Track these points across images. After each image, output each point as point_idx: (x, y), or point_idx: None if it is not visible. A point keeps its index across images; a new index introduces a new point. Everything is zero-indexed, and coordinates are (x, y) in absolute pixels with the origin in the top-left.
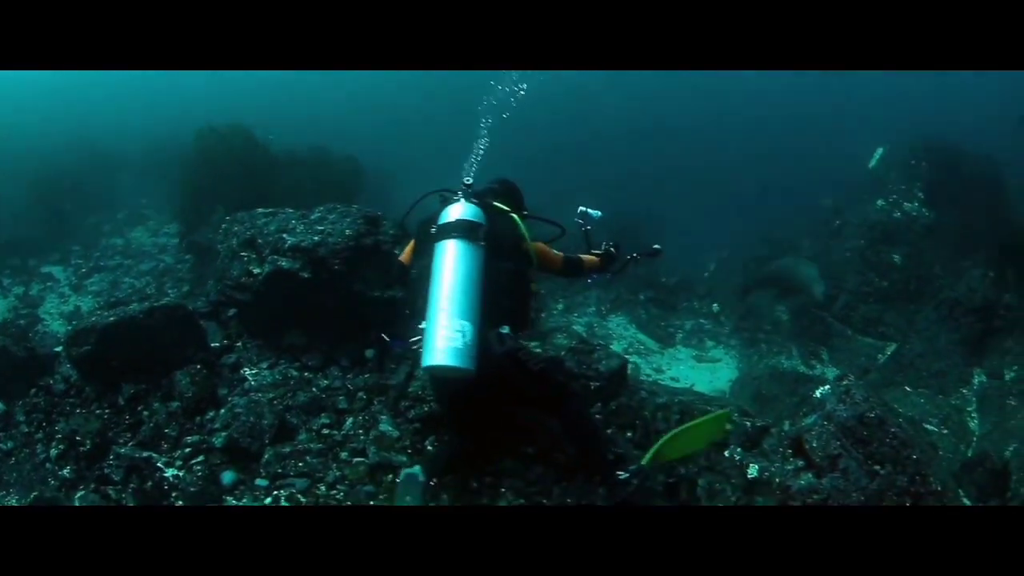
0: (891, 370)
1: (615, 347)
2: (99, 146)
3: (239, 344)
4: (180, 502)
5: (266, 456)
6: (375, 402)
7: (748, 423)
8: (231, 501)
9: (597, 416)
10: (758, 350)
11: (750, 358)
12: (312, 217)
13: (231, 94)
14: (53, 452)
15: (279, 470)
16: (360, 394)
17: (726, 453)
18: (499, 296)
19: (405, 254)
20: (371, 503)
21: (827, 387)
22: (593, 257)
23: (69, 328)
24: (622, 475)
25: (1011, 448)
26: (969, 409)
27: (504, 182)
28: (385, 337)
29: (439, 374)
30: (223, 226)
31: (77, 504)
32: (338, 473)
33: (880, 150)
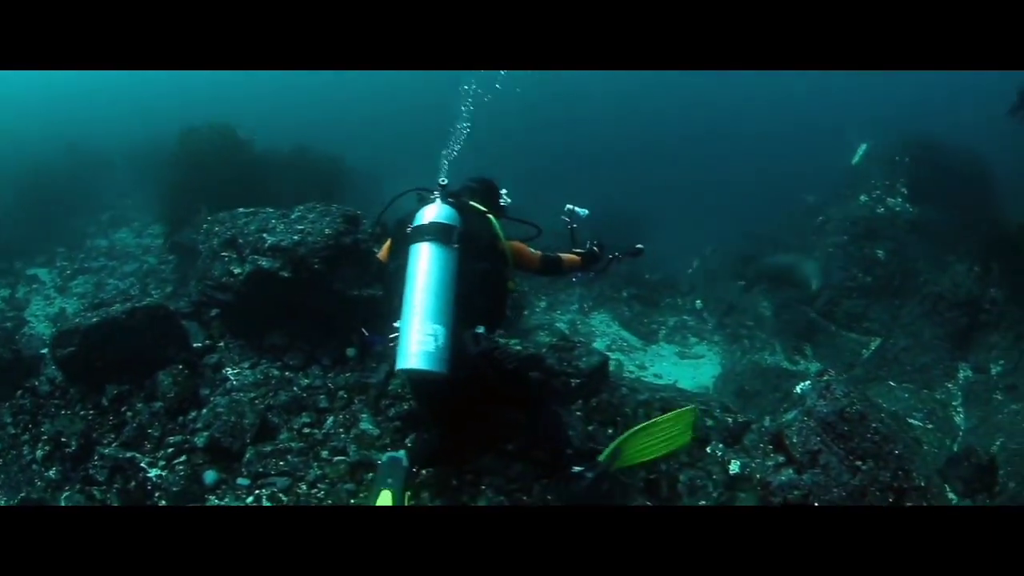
0: (875, 365)
1: (598, 344)
2: (83, 146)
3: (221, 344)
4: (163, 502)
5: (247, 455)
6: (356, 401)
7: (730, 419)
8: (213, 500)
9: (577, 413)
10: (741, 346)
11: (733, 354)
12: (292, 216)
13: (215, 93)
14: (39, 453)
15: (260, 469)
16: (341, 393)
17: (708, 449)
18: (474, 297)
19: (382, 252)
20: (352, 501)
21: (807, 383)
22: (574, 256)
23: (54, 330)
24: (577, 470)
25: (998, 442)
26: (955, 404)
27: (481, 180)
28: (365, 332)
29: (414, 377)
30: (204, 226)
31: (63, 505)
32: (319, 472)
33: (863, 146)
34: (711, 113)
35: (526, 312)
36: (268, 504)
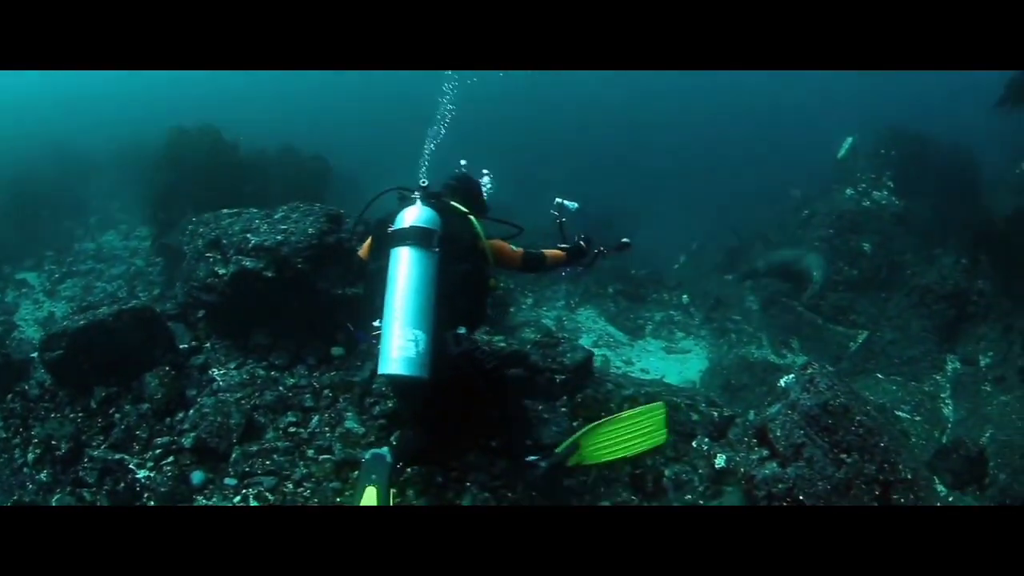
0: (862, 358)
1: (584, 340)
2: (69, 149)
3: (207, 345)
4: (152, 503)
5: (234, 455)
6: (341, 399)
7: (715, 413)
8: (201, 501)
9: (563, 409)
10: (728, 340)
11: (720, 348)
12: (276, 216)
13: (200, 94)
14: (30, 457)
15: (247, 469)
16: (326, 392)
17: (694, 443)
18: (455, 299)
19: (363, 250)
20: (338, 500)
21: (791, 376)
22: (558, 252)
23: (43, 334)
24: (531, 459)
25: (987, 434)
26: (943, 396)
27: (462, 178)
28: (351, 327)
29: (396, 381)
30: (189, 227)
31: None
32: (305, 470)
33: (849, 140)
34: (697, 109)
35: (512, 309)
36: (255, 503)
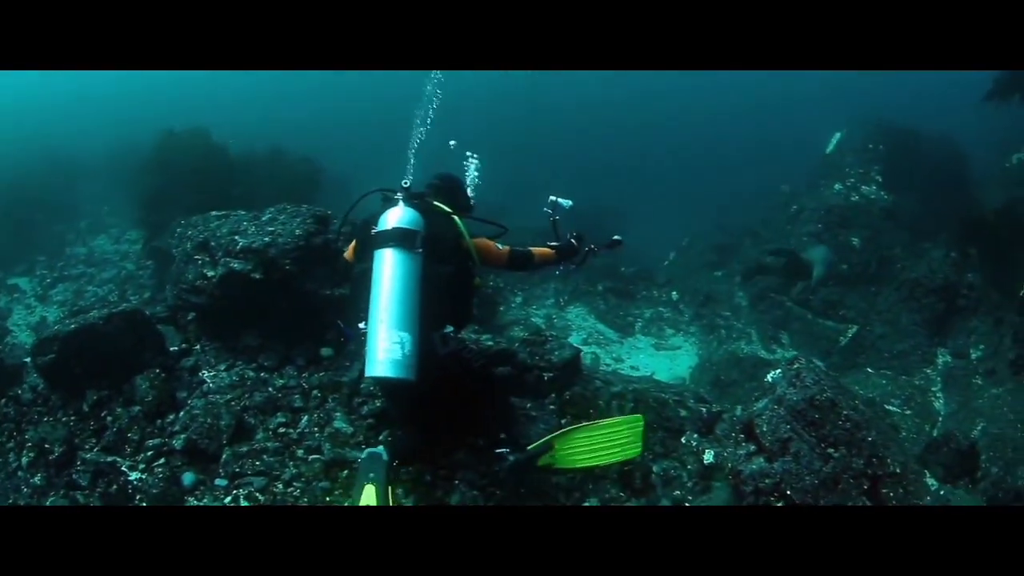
0: (853, 353)
1: (574, 338)
2: (59, 152)
3: (197, 347)
4: (144, 504)
5: (224, 456)
6: (329, 399)
7: (704, 409)
8: (192, 501)
9: (551, 407)
10: (718, 336)
11: (709, 345)
12: (263, 218)
13: (190, 95)
14: (24, 460)
15: (237, 469)
16: (315, 392)
17: (683, 439)
18: (440, 299)
19: (349, 251)
20: (327, 499)
21: (778, 371)
22: (546, 250)
23: (35, 338)
24: (501, 451)
25: (979, 427)
26: (934, 389)
27: (446, 177)
28: (341, 324)
29: (383, 382)
30: (178, 230)
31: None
32: (295, 470)
33: (837, 135)
34: (686, 106)
35: (501, 308)
36: (246, 504)
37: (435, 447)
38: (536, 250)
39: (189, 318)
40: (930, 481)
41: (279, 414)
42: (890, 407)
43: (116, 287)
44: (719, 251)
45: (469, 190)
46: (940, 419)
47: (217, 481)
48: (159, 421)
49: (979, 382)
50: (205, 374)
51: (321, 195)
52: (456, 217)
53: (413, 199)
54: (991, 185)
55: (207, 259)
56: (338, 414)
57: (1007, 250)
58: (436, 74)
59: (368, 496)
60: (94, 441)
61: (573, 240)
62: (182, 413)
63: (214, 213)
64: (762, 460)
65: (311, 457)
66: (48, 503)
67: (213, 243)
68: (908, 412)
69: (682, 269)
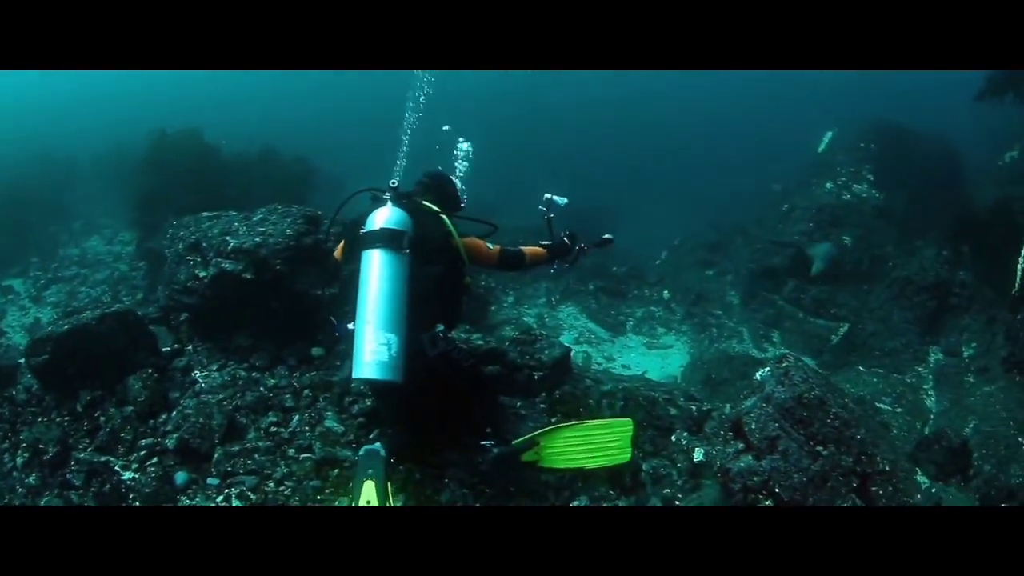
0: (844, 351)
1: (566, 337)
2: (52, 153)
3: (189, 347)
4: (137, 503)
5: (216, 455)
6: (320, 399)
7: (694, 407)
8: (185, 501)
9: (541, 405)
10: (709, 335)
11: (701, 343)
12: (254, 219)
13: (182, 95)
14: (19, 460)
15: (229, 468)
16: (306, 392)
17: (672, 438)
18: (428, 300)
19: (338, 251)
20: (319, 497)
21: (767, 369)
22: (538, 249)
23: (29, 339)
24: (485, 443)
25: (971, 425)
26: (926, 387)
27: (434, 175)
28: (334, 320)
29: (371, 384)
30: (170, 231)
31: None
32: (286, 469)
33: (829, 134)
34: (677, 106)
35: (493, 307)
36: (238, 503)
37: (425, 446)
38: (527, 249)
39: (181, 319)
40: (922, 479)
41: (270, 413)
42: (881, 405)
43: (109, 288)
44: (711, 250)
45: (460, 179)
46: (932, 417)
47: (209, 480)
48: (152, 421)
49: (971, 380)
50: (197, 374)
51: (315, 195)
52: (445, 216)
53: (401, 199)
54: (984, 183)
55: (199, 260)
56: (329, 413)
57: (999, 248)
58: (425, 74)
59: (368, 492)
60: (88, 441)
61: (566, 239)
62: (174, 413)
63: (205, 214)
64: (750, 458)
65: (302, 456)
66: (43, 503)
67: (205, 244)
68: (899, 410)
69: (673, 268)
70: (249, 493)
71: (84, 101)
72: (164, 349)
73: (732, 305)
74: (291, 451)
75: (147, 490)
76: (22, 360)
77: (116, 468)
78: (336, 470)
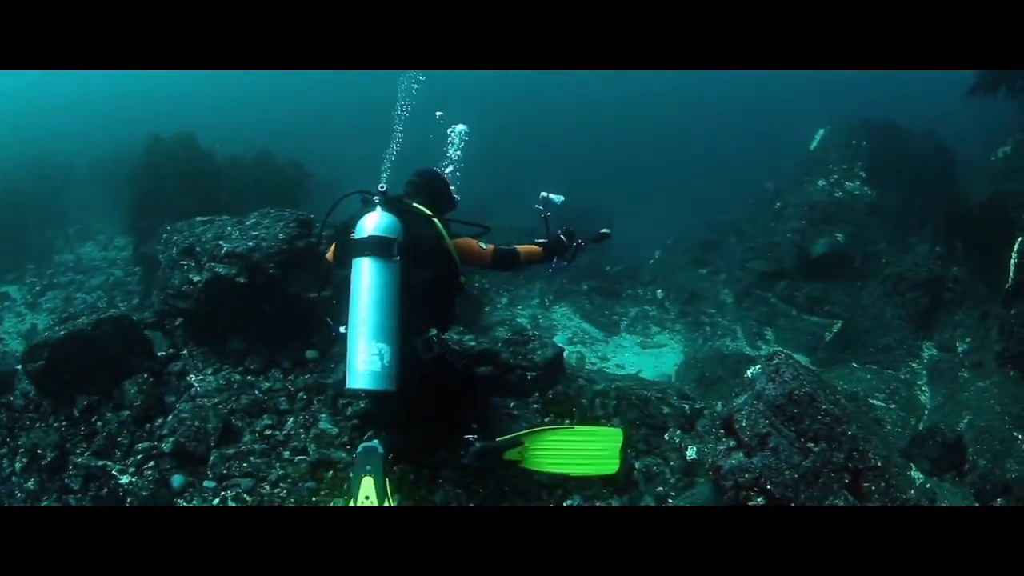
0: (838, 348)
1: (559, 337)
2: (47, 158)
3: (184, 352)
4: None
5: (212, 458)
6: (315, 401)
7: (687, 406)
8: (181, 503)
9: (534, 405)
10: (703, 334)
11: (695, 342)
12: (247, 223)
13: (176, 96)
14: (18, 466)
15: (225, 471)
16: (300, 394)
17: (666, 436)
18: (421, 305)
19: (330, 252)
20: (313, 499)
21: (758, 366)
22: (534, 247)
23: (26, 346)
24: (468, 437)
25: (965, 420)
26: (920, 383)
27: (425, 173)
28: (330, 320)
29: (363, 394)
30: (164, 236)
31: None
32: (281, 471)
33: (821, 131)
34: (670, 104)
35: (487, 308)
36: (233, 504)
37: (420, 446)
38: (522, 248)
39: (176, 323)
40: (916, 474)
41: (265, 416)
42: (874, 401)
43: (104, 294)
44: (704, 249)
45: (455, 162)
46: (926, 412)
47: (205, 483)
48: (148, 425)
49: (965, 375)
50: (192, 378)
51: (309, 198)
52: (436, 220)
53: (391, 202)
54: (976, 179)
55: (192, 264)
56: (323, 415)
57: (992, 243)
58: (416, 74)
59: (367, 487)
60: (85, 446)
61: (563, 236)
62: (170, 417)
63: (199, 219)
64: (741, 455)
65: (297, 458)
66: (42, 506)
67: (198, 248)
68: (893, 406)
69: (667, 267)
70: (245, 495)
71: (78, 102)
72: (159, 354)
73: (726, 304)
74: (286, 453)
75: (144, 493)
76: (19, 366)
77: (113, 472)
78: (331, 472)
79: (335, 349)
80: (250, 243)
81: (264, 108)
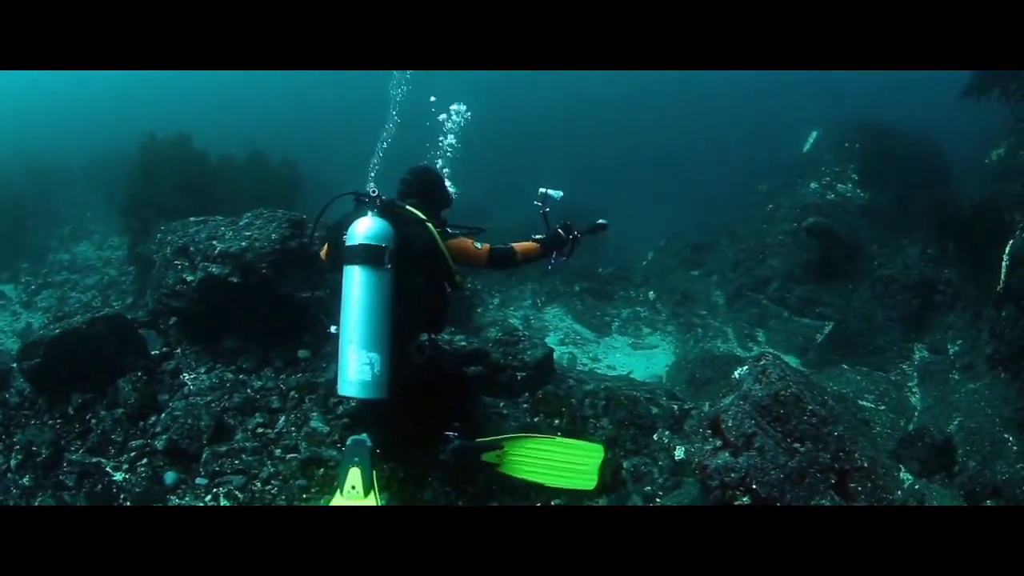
0: (829, 349)
1: (551, 338)
2: (42, 157)
3: (178, 351)
4: (128, 503)
5: (205, 456)
6: (306, 400)
7: (676, 407)
8: (174, 500)
9: (524, 405)
10: (694, 335)
11: (686, 343)
12: (240, 223)
13: (169, 96)
14: (13, 463)
15: (217, 468)
16: (292, 393)
17: (655, 436)
18: (414, 310)
19: (323, 252)
20: (304, 496)
21: (745, 367)
22: (530, 244)
23: (21, 344)
24: (449, 434)
25: (955, 422)
26: (910, 384)
27: (418, 171)
28: (323, 318)
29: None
30: (158, 236)
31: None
32: (272, 469)
33: (814, 134)
34: (663, 106)
35: (479, 309)
36: (225, 502)
37: (407, 445)
38: (519, 246)
39: (170, 322)
40: (905, 476)
41: (257, 414)
42: (864, 403)
43: (99, 293)
44: (696, 250)
45: (450, 143)
46: (916, 414)
47: (198, 480)
48: (142, 423)
49: (956, 377)
50: (186, 377)
51: (303, 197)
52: (429, 225)
53: (384, 206)
54: (970, 181)
55: (186, 264)
56: (314, 414)
57: (985, 245)
58: (404, 74)
59: (354, 478)
60: (79, 443)
61: (560, 230)
62: (164, 415)
63: (193, 219)
64: (727, 455)
65: (288, 456)
66: (36, 503)
67: (192, 248)
68: (882, 407)
69: (659, 269)
70: (237, 492)
71: (73, 102)
72: (153, 352)
73: (717, 305)
74: (277, 451)
75: (137, 490)
76: (14, 364)
77: (107, 469)
78: (321, 469)
79: (327, 348)
80: (243, 243)
81: (261, 108)
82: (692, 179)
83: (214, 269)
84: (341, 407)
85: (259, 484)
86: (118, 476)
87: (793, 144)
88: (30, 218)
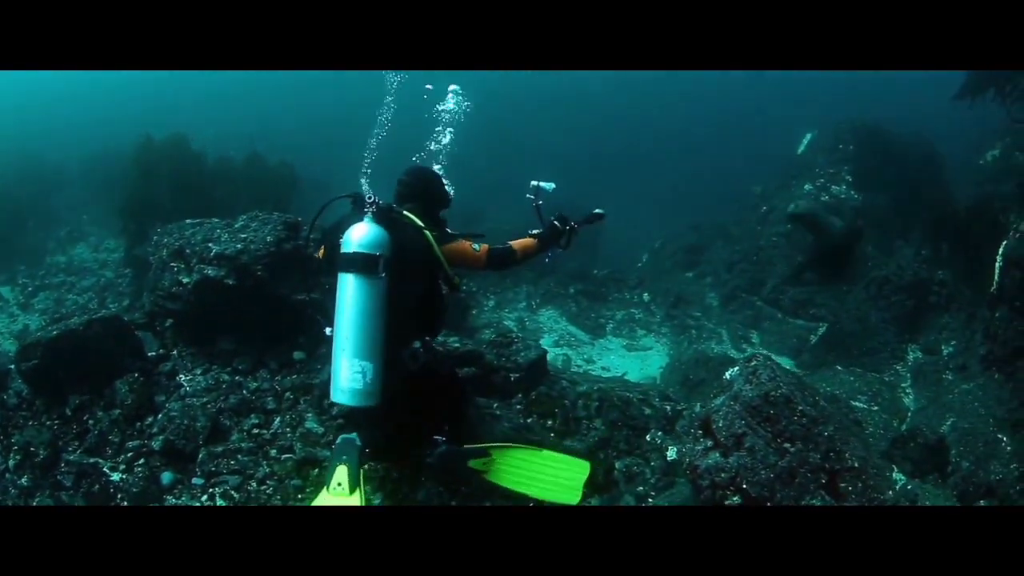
0: (823, 350)
1: (546, 340)
2: (38, 160)
3: (174, 352)
4: (125, 503)
5: (201, 456)
6: (301, 401)
7: (668, 408)
8: (171, 500)
9: (517, 407)
10: (688, 336)
11: (680, 345)
12: (236, 225)
13: (167, 95)
14: (11, 463)
15: (213, 468)
16: (287, 394)
17: (647, 437)
18: (408, 317)
19: (321, 252)
20: (299, 496)
21: (736, 368)
22: (528, 240)
23: (19, 346)
24: (437, 438)
25: (949, 422)
26: (904, 385)
27: (415, 172)
28: (320, 319)
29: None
30: (154, 238)
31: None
32: (268, 469)
33: (808, 135)
34: (659, 107)
35: (474, 311)
36: (221, 502)
37: (402, 446)
38: (517, 243)
39: (166, 324)
40: (898, 476)
41: (253, 415)
42: (856, 403)
43: (95, 295)
44: (691, 252)
45: (449, 134)
46: (909, 415)
47: (194, 480)
48: (138, 423)
49: (950, 377)
50: (182, 378)
51: (301, 198)
52: (427, 231)
53: (380, 212)
54: (964, 182)
55: (182, 266)
56: (309, 415)
57: (979, 246)
58: (399, 74)
59: (340, 475)
60: (77, 443)
61: (556, 222)
62: (160, 415)
63: (189, 221)
64: (718, 455)
65: (284, 456)
66: (35, 503)
67: (188, 250)
68: (875, 408)
69: (654, 270)
70: (232, 492)
71: (69, 103)
72: (150, 354)
73: (712, 307)
74: (273, 451)
75: (134, 490)
76: (12, 366)
77: (105, 469)
78: (316, 470)
79: (322, 350)
80: (239, 245)
81: (259, 108)
82: (687, 181)
83: (210, 271)
84: (336, 408)
85: (255, 484)
86: (115, 476)
87: (788, 146)
88: (24, 220)
